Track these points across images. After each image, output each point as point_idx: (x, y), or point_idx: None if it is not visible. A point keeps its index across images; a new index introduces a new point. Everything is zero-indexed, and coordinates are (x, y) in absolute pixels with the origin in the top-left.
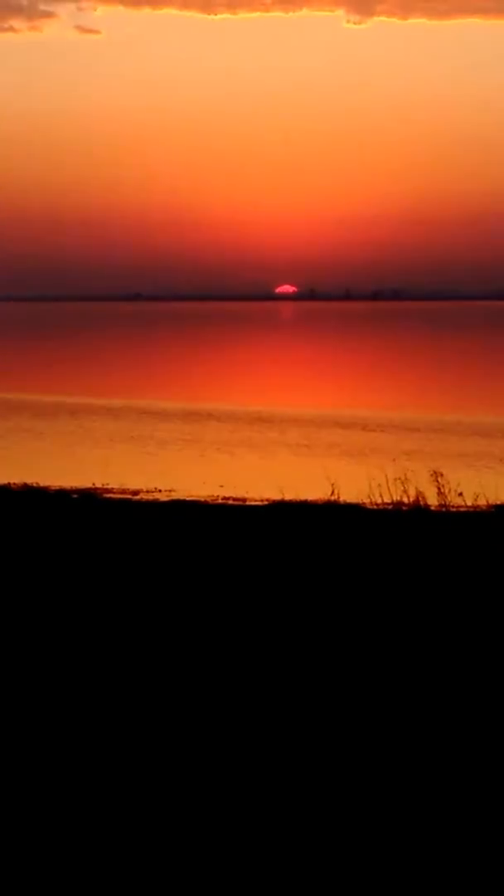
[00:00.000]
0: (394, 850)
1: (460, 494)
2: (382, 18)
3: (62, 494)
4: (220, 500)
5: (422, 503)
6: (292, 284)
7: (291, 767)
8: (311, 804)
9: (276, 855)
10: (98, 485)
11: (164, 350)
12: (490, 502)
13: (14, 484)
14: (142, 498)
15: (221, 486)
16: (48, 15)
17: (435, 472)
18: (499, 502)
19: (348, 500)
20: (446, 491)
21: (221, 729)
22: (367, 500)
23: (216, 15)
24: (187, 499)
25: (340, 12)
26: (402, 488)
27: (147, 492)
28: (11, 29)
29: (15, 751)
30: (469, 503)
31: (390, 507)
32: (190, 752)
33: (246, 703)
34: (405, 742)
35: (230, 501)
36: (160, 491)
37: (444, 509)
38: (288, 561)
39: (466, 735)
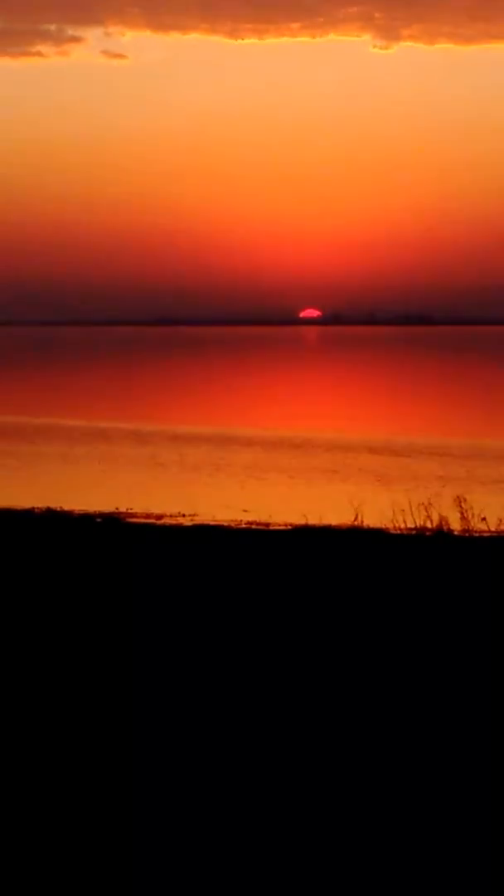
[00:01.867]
0: (389, 853)
1: (483, 519)
2: (409, 44)
3: (86, 518)
4: (243, 525)
5: (445, 528)
6: (317, 309)
7: (304, 793)
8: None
9: (275, 857)
10: (122, 509)
11: (191, 374)
12: None
13: (37, 508)
14: (165, 522)
15: (245, 511)
16: (76, 40)
17: (459, 497)
18: None
19: (372, 526)
20: (470, 516)
21: (240, 750)
22: (390, 526)
23: (243, 40)
24: (211, 523)
25: (367, 37)
26: (425, 514)
27: (171, 516)
28: (39, 54)
29: (29, 773)
30: (492, 528)
31: (413, 532)
32: (211, 778)
33: (266, 725)
34: (422, 766)
35: (253, 526)
36: (184, 515)
37: (466, 534)
38: (308, 585)
39: (479, 757)
